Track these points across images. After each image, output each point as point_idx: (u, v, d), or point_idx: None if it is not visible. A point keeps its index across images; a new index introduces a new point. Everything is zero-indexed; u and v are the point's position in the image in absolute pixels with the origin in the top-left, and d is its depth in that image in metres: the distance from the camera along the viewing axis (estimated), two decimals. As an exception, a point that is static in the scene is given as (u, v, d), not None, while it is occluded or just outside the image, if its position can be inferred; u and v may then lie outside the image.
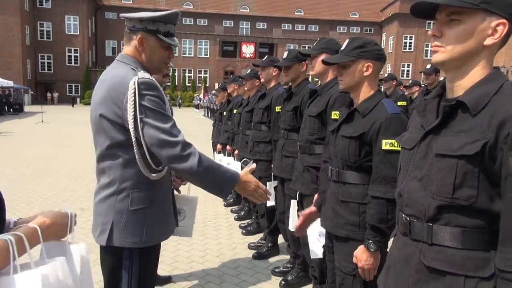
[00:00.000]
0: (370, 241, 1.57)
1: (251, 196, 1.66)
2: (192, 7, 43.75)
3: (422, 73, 5.30)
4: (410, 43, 41.71)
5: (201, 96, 30.44)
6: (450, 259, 1.01)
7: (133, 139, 1.50)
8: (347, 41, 1.82)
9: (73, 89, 40.05)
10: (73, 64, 39.72)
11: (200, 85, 39.59)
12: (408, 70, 41.91)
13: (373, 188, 1.62)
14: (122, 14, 1.67)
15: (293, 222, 2.80)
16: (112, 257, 1.63)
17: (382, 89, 6.97)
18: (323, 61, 1.90)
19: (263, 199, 1.68)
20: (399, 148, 1.24)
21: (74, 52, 39.59)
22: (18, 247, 0.91)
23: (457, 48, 1.01)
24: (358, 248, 1.64)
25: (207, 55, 42.30)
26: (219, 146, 5.40)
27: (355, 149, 1.70)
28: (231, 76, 8.61)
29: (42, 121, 17.77)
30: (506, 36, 1.00)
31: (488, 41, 1.00)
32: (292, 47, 41.75)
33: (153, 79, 1.56)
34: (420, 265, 1.06)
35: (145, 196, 1.59)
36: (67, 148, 10.30)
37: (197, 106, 32.54)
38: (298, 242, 2.89)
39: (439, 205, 1.01)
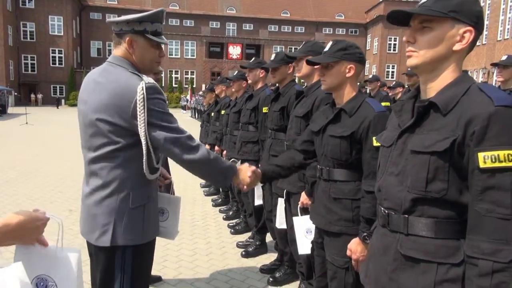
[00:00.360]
0: (365, 234, 1.64)
1: (248, 183, 1.85)
2: (178, 8, 43.57)
3: (405, 74, 5.46)
4: (395, 44, 42.31)
5: (188, 97, 30.36)
6: (424, 248, 1.09)
7: (143, 142, 1.56)
8: (330, 43, 1.90)
9: (58, 90, 39.43)
10: (57, 65, 39.13)
11: (187, 86, 39.48)
12: (392, 71, 42.49)
13: (366, 183, 1.70)
14: (108, 19, 1.71)
15: (280, 220, 2.89)
16: (106, 257, 1.64)
17: (368, 90, 7.13)
18: (307, 61, 1.97)
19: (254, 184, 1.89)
20: None
21: (59, 53, 39.00)
22: None
23: (429, 53, 1.10)
24: (353, 241, 1.70)
25: (193, 56, 42.18)
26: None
27: (346, 148, 1.78)
28: (218, 77, 8.64)
29: (27, 123, 17.50)
30: (472, 42, 1.09)
31: (457, 47, 1.09)
32: (278, 48, 41.96)
33: (156, 83, 1.63)
34: (397, 254, 1.14)
35: (143, 193, 1.65)
36: (53, 150, 10.19)
37: (184, 107, 32.42)
38: (286, 239, 2.96)
39: (414, 198, 1.10)
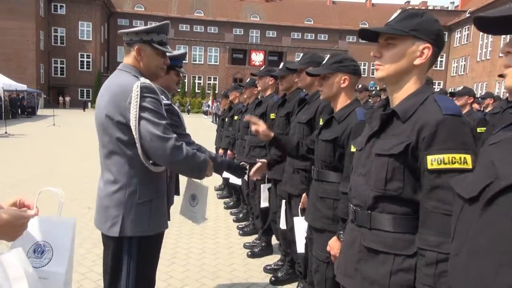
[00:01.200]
0: (341, 232, 1.76)
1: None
2: (203, 14, 44.38)
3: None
4: (419, 53, 41.75)
5: (210, 102, 30.79)
6: (383, 241, 1.21)
7: (136, 136, 1.68)
8: (327, 56, 2.04)
9: (85, 94, 40.76)
10: (85, 69, 40.48)
11: (209, 91, 40.03)
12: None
13: (343, 185, 1.82)
14: (120, 31, 1.88)
15: (284, 221, 3.01)
16: (114, 245, 1.78)
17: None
18: (306, 73, 2.12)
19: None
20: None
21: (87, 58, 40.38)
22: None
23: (393, 67, 1.23)
24: (332, 239, 1.83)
25: (216, 62, 42.75)
26: (221, 151, 5.62)
27: (331, 151, 1.93)
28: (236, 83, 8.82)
29: (54, 124, 18.20)
30: (432, 57, 1.21)
31: (417, 61, 1.22)
32: (301, 55, 42.02)
33: (153, 84, 1.76)
34: (361, 246, 1.26)
35: (150, 189, 1.79)
36: (77, 151, 10.62)
37: (205, 113, 32.90)
38: (289, 240, 3.08)
39: (376, 196, 1.22)
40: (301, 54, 3.13)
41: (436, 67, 41.17)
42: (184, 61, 2.50)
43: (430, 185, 1.11)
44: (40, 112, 27.45)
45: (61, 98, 38.47)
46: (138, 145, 1.69)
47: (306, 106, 2.74)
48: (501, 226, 0.69)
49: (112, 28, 43.50)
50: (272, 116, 3.44)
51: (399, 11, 1.26)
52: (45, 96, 32.99)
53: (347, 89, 2.01)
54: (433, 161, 1.09)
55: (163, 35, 1.85)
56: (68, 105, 38.25)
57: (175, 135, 1.73)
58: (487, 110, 5.57)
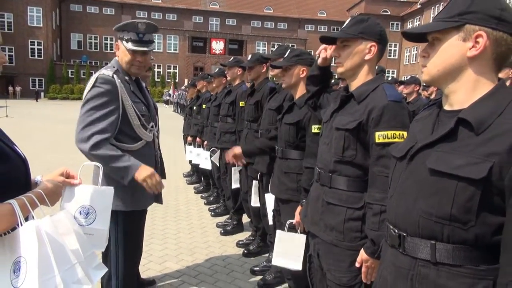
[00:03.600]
0: (304, 200, 2.10)
1: (144, 182, 1.92)
2: (160, 1, 43.40)
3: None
4: (375, 42, 43.29)
5: (171, 91, 30.45)
6: (339, 197, 1.57)
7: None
8: (288, 51, 2.36)
9: (37, 83, 38.90)
10: (36, 57, 38.57)
11: (169, 80, 39.46)
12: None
13: (306, 161, 2.15)
14: (116, 26, 2.05)
15: (255, 199, 3.33)
16: None
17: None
18: (271, 65, 2.43)
19: (155, 189, 1.97)
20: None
21: (38, 45, 38.44)
22: (22, 209, 1.12)
23: (348, 63, 1.56)
24: (298, 208, 2.17)
25: (176, 50, 42.16)
26: (189, 138, 5.85)
27: (293, 132, 2.25)
28: (200, 72, 8.99)
29: (7, 116, 17.40)
30: (379, 52, 1.57)
31: (367, 57, 1.56)
32: (261, 44, 42.37)
33: (114, 77, 1.95)
34: (323, 201, 1.61)
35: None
36: (39, 142, 10.36)
37: (166, 102, 32.50)
38: (259, 216, 3.41)
39: (335, 161, 1.57)
40: (261, 43, 3.42)
41: (390, 56, 42.98)
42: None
43: (377, 155, 1.46)
44: (-12, 102, 25.97)
45: (10, 88, 36.51)
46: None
47: (276, 95, 3.05)
48: (417, 173, 1.03)
49: (64, 14, 41.57)
50: (242, 104, 3.72)
51: (349, 19, 1.58)
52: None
53: (305, 79, 2.34)
54: (379, 136, 1.44)
55: (132, 33, 1.99)
56: (19, 95, 36.38)
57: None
58: (432, 97, 6.16)
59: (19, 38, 37.41)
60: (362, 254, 1.47)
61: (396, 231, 1.07)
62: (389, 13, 43.15)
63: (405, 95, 5.15)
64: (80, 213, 1.48)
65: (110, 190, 1.57)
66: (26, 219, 1.16)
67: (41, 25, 38.04)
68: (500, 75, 4.28)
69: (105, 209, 1.53)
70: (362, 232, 1.52)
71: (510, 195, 0.89)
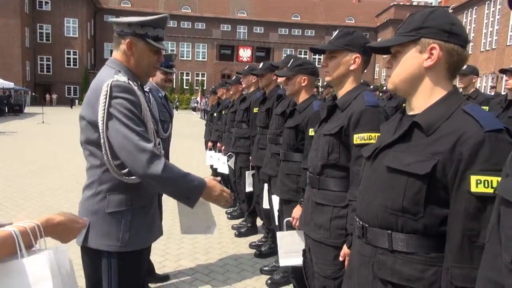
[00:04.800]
0: (302, 200, 2.22)
1: (216, 201, 1.64)
2: (190, 11, 44.50)
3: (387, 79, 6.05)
4: (404, 48, 42.54)
5: (198, 99, 31.07)
6: (327, 197, 1.69)
7: (102, 141, 1.50)
8: (291, 60, 2.50)
9: (72, 91, 40.64)
10: (71, 66, 40.32)
11: (197, 88, 40.27)
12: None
13: (304, 162, 2.27)
14: (110, 19, 1.69)
15: (266, 201, 3.46)
16: (90, 260, 1.61)
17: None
18: (276, 74, 2.57)
19: (228, 203, 1.69)
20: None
21: (73, 54, 40.20)
22: (23, 238, 0.98)
23: (335, 73, 1.69)
24: (296, 207, 2.29)
25: (204, 58, 42.99)
26: (210, 144, 6.06)
27: (293, 135, 2.39)
28: (226, 80, 9.22)
29: (43, 122, 18.36)
30: (363, 63, 1.68)
31: (352, 67, 1.68)
32: (288, 51, 42.50)
33: (130, 82, 1.54)
34: (313, 202, 1.73)
35: (122, 199, 1.56)
36: (69, 147, 10.91)
37: (194, 109, 33.17)
38: (270, 218, 3.53)
39: (322, 164, 1.69)
40: (288, 50, 3.55)
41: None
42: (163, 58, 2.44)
43: (356, 155, 1.58)
44: (27, 110, 27.42)
45: (48, 96, 38.35)
46: (104, 151, 1.51)
47: (282, 101, 3.19)
48: (378, 171, 1.15)
49: (99, 24, 43.35)
50: (255, 110, 3.88)
51: (336, 32, 1.71)
52: (33, 93, 32.77)
53: (307, 87, 2.48)
54: (357, 138, 1.56)
55: (160, 30, 1.63)
56: (55, 103, 38.13)
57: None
58: None
59: (56, 48, 39.34)
60: (345, 248, 1.58)
61: (361, 223, 1.19)
62: (419, 18, 42.32)
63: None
64: None
65: (45, 256, 1.03)
66: None
67: (77, 36, 39.82)
68: (463, 82, 4.16)
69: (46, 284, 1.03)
70: (347, 229, 1.63)
71: (452, 190, 0.99)
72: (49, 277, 0.98)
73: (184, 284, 3.14)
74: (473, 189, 0.95)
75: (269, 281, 3.13)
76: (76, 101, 38.24)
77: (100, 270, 1.59)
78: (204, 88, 39.23)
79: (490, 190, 0.93)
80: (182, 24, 43.75)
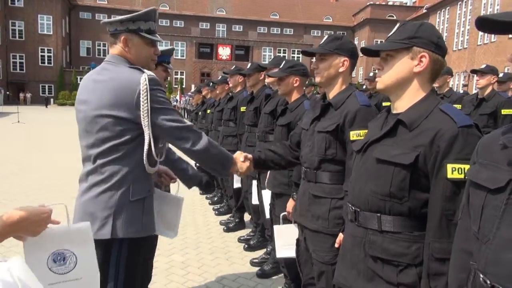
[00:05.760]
0: (294, 193, 2.37)
1: (240, 169, 1.95)
2: (168, 8, 44.10)
3: (366, 79, 6.24)
4: (380, 47, 43.44)
5: (178, 97, 30.87)
6: (323, 190, 1.84)
7: (146, 132, 1.61)
8: (284, 62, 2.64)
9: (47, 90, 39.63)
10: (46, 64, 39.32)
11: (176, 86, 39.96)
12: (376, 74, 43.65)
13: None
14: (103, 21, 1.75)
15: (254, 196, 3.60)
16: (102, 250, 1.61)
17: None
18: (267, 75, 2.71)
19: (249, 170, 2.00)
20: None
21: (48, 52, 39.21)
22: None
23: (325, 74, 1.84)
24: (289, 200, 2.44)
25: (183, 56, 42.64)
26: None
27: (286, 133, 2.54)
28: (206, 78, 9.31)
29: (18, 121, 17.91)
30: (351, 65, 1.84)
31: (341, 69, 1.83)
32: (267, 50, 42.73)
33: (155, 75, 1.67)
34: (309, 195, 1.88)
35: (143, 186, 1.69)
36: (50, 146, 10.76)
37: (173, 108, 32.87)
38: (259, 213, 3.68)
39: (319, 159, 1.83)
40: (267, 49, 3.69)
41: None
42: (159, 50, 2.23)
43: (351, 151, 1.72)
44: (0, 109, 26.61)
45: (21, 94, 37.28)
46: (146, 141, 1.63)
47: (270, 100, 3.34)
48: (368, 162, 1.31)
49: (74, 21, 42.41)
50: (243, 109, 4.02)
51: (326, 37, 1.86)
52: (7, 92, 31.76)
53: (299, 87, 2.63)
54: (353, 134, 1.72)
55: (151, 23, 1.72)
56: (29, 102, 37.09)
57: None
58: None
59: (29, 45, 38.25)
60: (340, 236, 1.73)
61: (353, 208, 1.35)
62: (394, 18, 43.32)
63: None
64: (55, 260, 1.24)
65: (86, 225, 1.34)
66: None
67: (51, 33, 38.83)
68: (438, 81, 4.45)
69: (86, 248, 1.30)
70: (343, 219, 1.78)
71: (432, 177, 1.17)
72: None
73: (178, 277, 3.25)
74: (449, 175, 1.13)
75: (259, 272, 3.28)
76: (52, 100, 37.29)
77: (108, 261, 1.63)
78: (183, 86, 38.99)
79: (463, 176, 1.10)
80: (160, 22, 43.13)
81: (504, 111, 3.96)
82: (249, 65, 3.86)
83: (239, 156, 2.00)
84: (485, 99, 4.13)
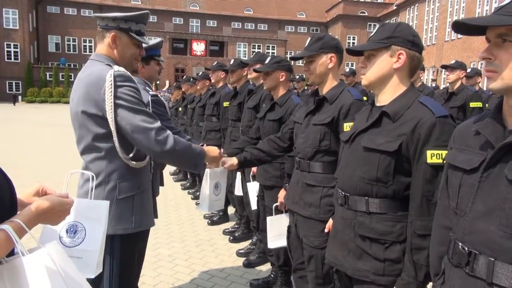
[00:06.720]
0: (286, 184, 2.48)
1: (213, 162, 2.01)
2: (140, 3, 43.21)
3: (342, 75, 6.44)
4: (354, 43, 44.13)
5: (152, 93, 30.40)
6: (316, 179, 1.95)
7: (112, 128, 1.61)
8: (269, 57, 2.74)
9: (14, 86, 38.20)
10: (12, 60, 37.90)
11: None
12: (352, 69, 44.52)
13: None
14: (95, 14, 1.78)
15: (238, 188, 3.71)
16: None
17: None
18: (254, 70, 2.81)
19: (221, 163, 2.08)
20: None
21: (14, 47, 37.78)
22: (18, 233, 0.93)
23: (316, 72, 1.95)
24: (281, 190, 2.56)
25: (157, 52, 41.95)
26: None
27: (277, 127, 2.64)
28: (181, 74, 9.30)
29: (-14, 120, 17.27)
30: (338, 60, 1.95)
31: (330, 66, 1.95)
32: (242, 45, 42.73)
33: (128, 72, 1.69)
34: (303, 183, 1.99)
35: (131, 184, 1.70)
36: (23, 144, 10.46)
37: (148, 104, 32.40)
38: (243, 205, 3.79)
39: (314, 150, 1.94)
40: (242, 44, 3.77)
41: (368, 56, 43.92)
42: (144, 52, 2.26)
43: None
44: (-35, 107, 25.50)
45: (-14, 92, 35.80)
46: (115, 138, 1.64)
47: (253, 95, 3.44)
48: (356, 151, 1.44)
49: (41, 16, 40.95)
50: (226, 104, 4.10)
51: (309, 39, 1.98)
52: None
53: (284, 82, 2.74)
54: (347, 126, 1.82)
55: (142, 25, 1.79)
56: (-5, 99, 35.70)
57: (158, 124, 1.65)
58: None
59: (-6, 40, 36.73)
60: (330, 221, 1.86)
61: (343, 193, 1.48)
62: (366, 14, 44.20)
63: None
64: (67, 231, 1.28)
65: (105, 204, 1.38)
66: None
67: (17, 27, 37.39)
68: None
69: (97, 227, 1.32)
70: (334, 206, 1.90)
71: (413, 162, 1.31)
72: (57, 274, 0.94)
73: (166, 270, 3.32)
74: (429, 160, 1.27)
75: (245, 262, 3.40)
76: (19, 97, 35.97)
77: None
78: (158, 82, 38.43)
79: (441, 161, 1.25)
80: (132, 17, 42.37)
81: (472, 104, 4.23)
82: (231, 61, 3.93)
83: (210, 150, 2.01)
84: (455, 93, 4.38)
